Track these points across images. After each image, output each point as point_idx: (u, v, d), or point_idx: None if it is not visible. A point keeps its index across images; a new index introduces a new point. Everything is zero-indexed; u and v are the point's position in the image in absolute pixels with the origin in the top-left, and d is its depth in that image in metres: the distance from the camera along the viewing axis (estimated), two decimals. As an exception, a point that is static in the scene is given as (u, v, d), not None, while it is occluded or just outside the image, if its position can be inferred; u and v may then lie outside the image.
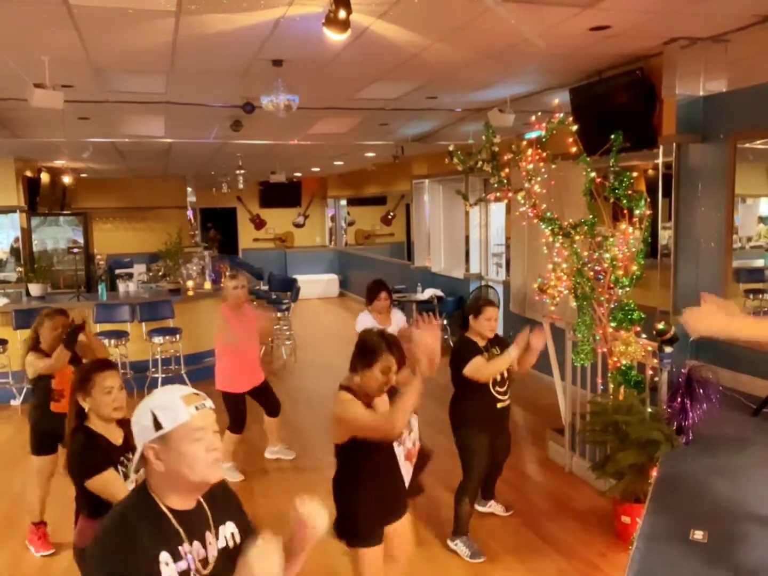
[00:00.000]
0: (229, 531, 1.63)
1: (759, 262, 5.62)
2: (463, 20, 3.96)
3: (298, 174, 15.53)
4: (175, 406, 1.51)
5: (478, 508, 4.21)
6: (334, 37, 3.36)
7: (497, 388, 3.80)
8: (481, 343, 3.85)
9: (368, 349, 2.72)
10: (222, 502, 1.65)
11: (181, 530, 1.51)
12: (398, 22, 3.96)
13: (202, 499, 1.59)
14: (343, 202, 16.69)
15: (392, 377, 2.70)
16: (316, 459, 5.14)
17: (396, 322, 4.85)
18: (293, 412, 6.60)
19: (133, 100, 6.12)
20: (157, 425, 1.50)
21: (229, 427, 4.91)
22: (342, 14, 3.14)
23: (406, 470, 2.84)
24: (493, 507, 4.29)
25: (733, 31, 4.40)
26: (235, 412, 4.95)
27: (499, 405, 3.82)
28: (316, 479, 4.43)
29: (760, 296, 5.45)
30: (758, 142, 4.71)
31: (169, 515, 1.51)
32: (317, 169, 14.82)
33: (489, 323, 3.81)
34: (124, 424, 2.55)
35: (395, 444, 2.77)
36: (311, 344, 9.98)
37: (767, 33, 4.27)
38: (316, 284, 15.50)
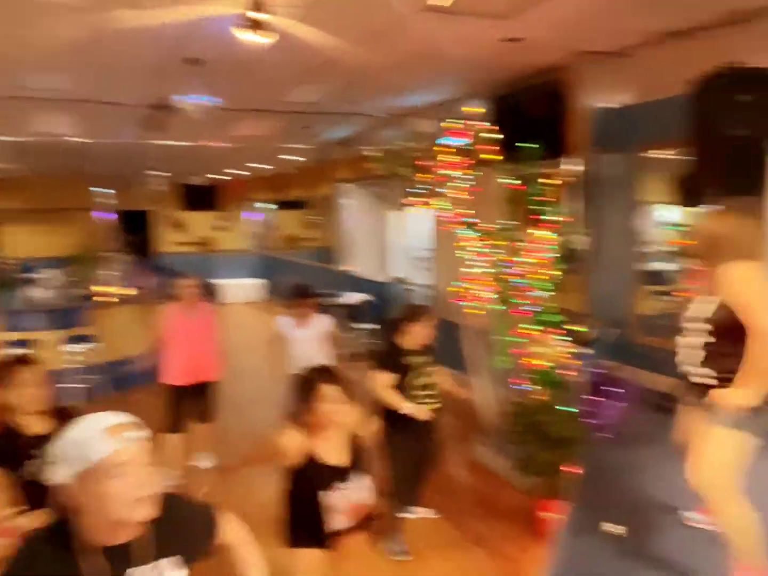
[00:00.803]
0: (168, 565, 1.51)
1: (662, 265, 5.97)
2: (380, 25, 4.00)
3: (226, 176, 15.22)
4: (93, 440, 1.37)
5: (407, 515, 4.24)
6: (253, 40, 3.32)
7: (424, 393, 3.83)
8: (414, 347, 3.83)
9: (305, 386, 2.65)
10: (168, 533, 1.52)
11: (108, 567, 1.39)
12: (317, 25, 3.96)
13: (143, 530, 1.45)
14: (268, 206, 16.47)
15: (340, 407, 2.61)
16: (241, 471, 5.03)
17: (319, 326, 4.82)
18: (221, 420, 6.43)
19: (41, 97, 5.82)
20: (73, 463, 1.37)
21: (163, 427, 4.76)
22: (258, 17, 3.10)
23: (339, 521, 2.66)
24: (420, 513, 4.34)
25: (637, 47, 4.64)
26: (168, 406, 4.85)
27: (425, 409, 3.84)
28: (242, 491, 4.33)
29: (666, 298, 5.78)
30: (659, 152, 5.00)
31: (90, 551, 1.38)
32: (242, 172, 14.57)
33: (425, 331, 3.81)
34: (60, 413, 2.62)
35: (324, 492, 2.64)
36: (237, 349, 9.77)
37: (668, 49, 4.54)
38: (241, 289, 15.28)
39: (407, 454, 3.85)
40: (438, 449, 4.21)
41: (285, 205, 16.10)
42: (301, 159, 11.19)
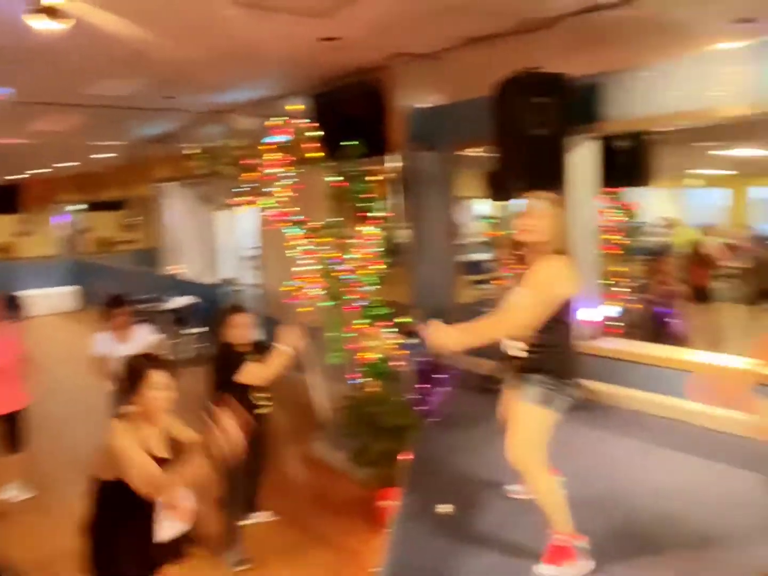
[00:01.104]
0: None
1: (479, 256, 6.42)
2: (193, 19, 3.84)
3: (29, 176, 13.74)
4: None
5: (244, 522, 4.13)
6: (46, 26, 3.02)
7: (256, 394, 3.76)
8: (243, 347, 3.76)
9: (133, 373, 2.59)
10: None
11: None
12: (122, 14, 3.69)
13: None
14: (78, 207, 15.17)
15: (168, 393, 2.57)
16: (62, 498, 4.60)
17: (139, 338, 4.54)
18: (33, 446, 5.81)
19: None
20: None
21: None
22: (51, 1, 2.82)
23: (170, 526, 2.59)
24: (259, 516, 4.25)
25: (447, 50, 4.90)
26: None
27: (257, 412, 3.78)
28: (65, 521, 3.96)
29: (483, 286, 6.22)
30: (471, 150, 5.35)
31: None
32: (44, 170, 13.24)
33: (239, 330, 3.75)
34: None
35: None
36: (47, 366, 8.88)
37: (474, 53, 4.86)
38: (50, 299, 13.88)
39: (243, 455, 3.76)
40: (271, 449, 4.15)
41: (99, 206, 14.96)
42: (113, 156, 10.43)
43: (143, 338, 4.55)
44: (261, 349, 3.85)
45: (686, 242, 9.26)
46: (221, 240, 9.59)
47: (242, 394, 3.68)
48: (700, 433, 3.79)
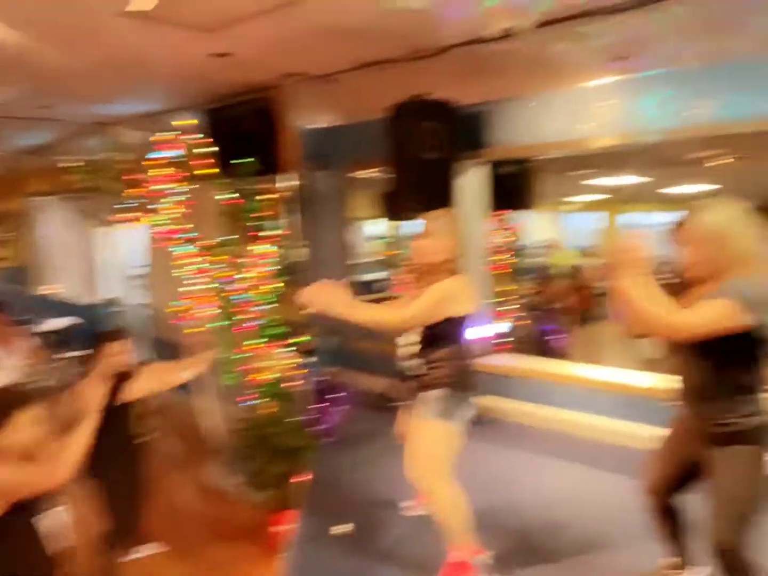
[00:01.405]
0: None
1: (373, 276, 6.49)
2: (74, 27, 3.65)
3: None
4: None
5: (129, 557, 3.90)
6: None
7: (138, 420, 3.59)
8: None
9: None
10: None
11: None
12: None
13: None
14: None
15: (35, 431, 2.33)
16: None
17: (20, 350, 4.24)
18: None
19: None
20: None
21: None
22: None
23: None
24: (142, 550, 4.02)
25: (339, 73, 4.97)
26: None
27: (138, 440, 3.62)
28: None
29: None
30: (365, 171, 5.43)
31: None
32: None
33: (117, 359, 3.59)
34: None
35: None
36: None
37: (368, 77, 4.95)
38: None
39: (121, 486, 3.58)
40: (156, 478, 3.97)
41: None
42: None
43: (24, 351, 4.22)
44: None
45: (565, 264, 9.88)
46: (104, 258, 9.08)
47: (123, 419, 3.52)
48: (583, 443, 4.02)
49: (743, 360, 1.92)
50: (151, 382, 3.55)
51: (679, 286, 2.21)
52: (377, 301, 6.32)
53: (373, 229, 6.94)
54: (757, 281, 1.90)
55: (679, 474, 2.24)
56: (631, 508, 2.63)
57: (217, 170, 4.46)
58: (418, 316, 2.56)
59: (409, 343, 2.81)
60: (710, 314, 1.81)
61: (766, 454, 1.95)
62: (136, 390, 3.50)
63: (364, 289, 6.51)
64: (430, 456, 2.57)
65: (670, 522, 2.34)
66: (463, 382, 2.65)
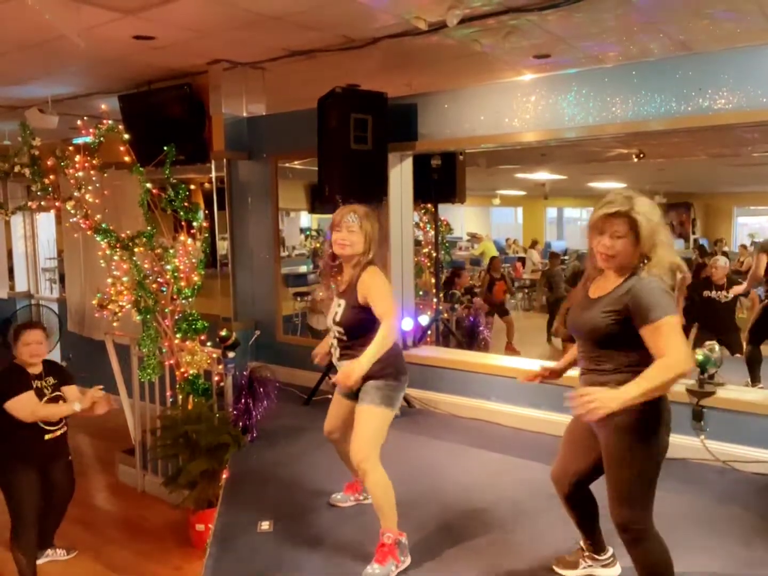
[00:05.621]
0: None
1: (303, 268, 6.43)
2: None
3: None
4: None
5: (39, 561, 3.71)
6: None
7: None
8: (34, 371, 3.49)
9: None
10: None
11: None
12: None
13: None
14: None
15: None
16: None
17: None
18: None
19: None
20: None
21: None
22: None
23: None
24: (51, 555, 3.84)
25: (268, 61, 4.88)
26: None
27: (47, 436, 3.48)
28: None
29: (306, 298, 6.23)
30: (297, 162, 5.34)
31: None
32: None
33: (28, 348, 3.46)
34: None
35: None
36: None
37: (298, 66, 4.88)
38: None
39: (30, 487, 3.42)
40: (70, 478, 3.81)
41: None
42: None
43: None
44: (53, 371, 3.59)
45: (488, 256, 10.11)
46: (15, 249, 8.58)
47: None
48: (503, 431, 4.11)
49: (627, 345, 2.05)
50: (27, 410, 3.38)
51: (580, 275, 2.33)
52: (305, 294, 6.28)
53: (304, 221, 6.87)
54: (659, 279, 2.02)
55: (580, 461, 2.32)
56: (545, 493, 2.71)
57: (136, 159, 4.27)
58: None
59: (334, 335, 2.78)
60: (678, 335, 1.97)
61: (650, 430, 2.05)
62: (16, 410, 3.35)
63: (293, 281, 6.44)
64: (372, 441, 2.61)
65: (578, 507, 2.42)
66: (399, 368, 2.70)
